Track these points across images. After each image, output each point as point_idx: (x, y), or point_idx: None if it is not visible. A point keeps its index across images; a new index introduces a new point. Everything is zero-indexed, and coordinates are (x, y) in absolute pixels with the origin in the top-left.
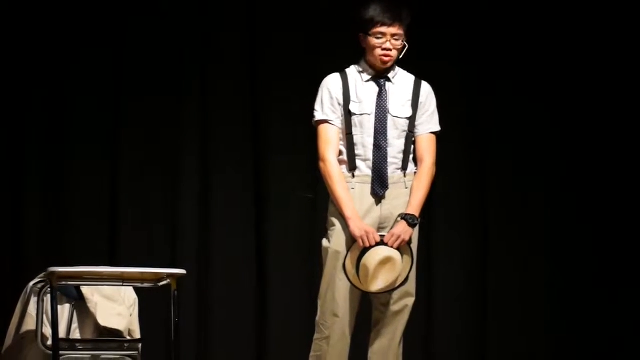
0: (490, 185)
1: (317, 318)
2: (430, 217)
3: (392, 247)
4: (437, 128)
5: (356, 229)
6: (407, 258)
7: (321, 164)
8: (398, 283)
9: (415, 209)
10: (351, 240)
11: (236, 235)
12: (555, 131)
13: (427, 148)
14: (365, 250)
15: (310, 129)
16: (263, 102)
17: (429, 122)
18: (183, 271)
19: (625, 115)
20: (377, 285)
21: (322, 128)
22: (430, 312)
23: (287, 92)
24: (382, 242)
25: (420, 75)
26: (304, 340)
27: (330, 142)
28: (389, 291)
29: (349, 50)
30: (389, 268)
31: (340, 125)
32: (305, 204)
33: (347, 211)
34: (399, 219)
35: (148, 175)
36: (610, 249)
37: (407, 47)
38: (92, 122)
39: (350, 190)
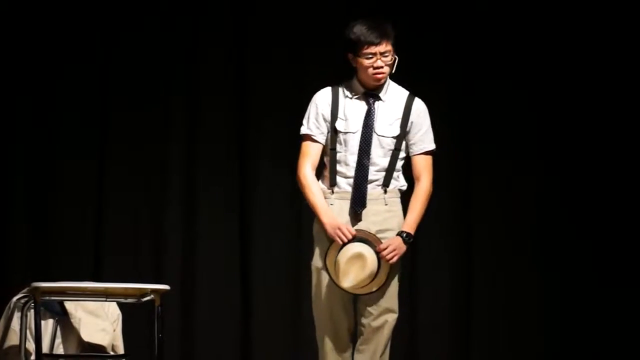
0: (476, 195)
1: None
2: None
3: (386, 257)
4: (432, 146)
5: (330, 228)
6: (384, 264)
7: (297, 177)
8: (374, 286)
9: (411, 227)
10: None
11: (220, 252)
12: (543, 137)
13: (423, 168)
14: (341, 248)
15: (296, 147)
16: (250, 118)
17: (423, 140)
18: (167, 287)
19: (614, 117)
20: (348, 281)
21: (304, 143)
22: (414, 328)
23: (274, 109)
24: (357, 239)
25: (407, 83)
26: (288, 356)
27: (308, 155)
28: (366, 294)
29: (337, 66)
30: (360, 265)
31: (322, 141)
32: (291, 219)
33: (324, 217)
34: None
35: (133, 192)
36: (603, 265)
37: (397, 59)
38: (78, 138)
39: (329, 207)
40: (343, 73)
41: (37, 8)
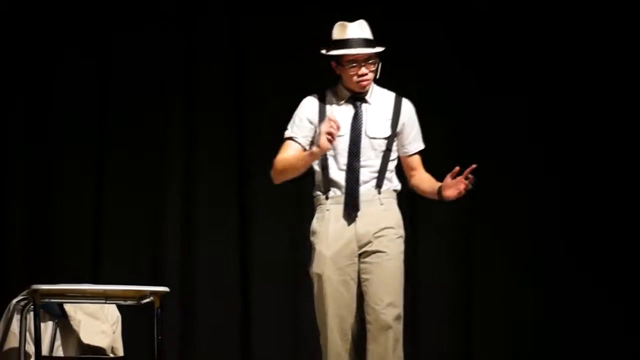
0: (476, 202)
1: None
2: (416, 240)
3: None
4: (423, 145)
5: (322, 142)
6: None
7: (272, 170)
8: None
9: None
10: (332, 261)
11: (220, 255)
12: (541, 142)
13: (418, 165)
14: None
15: None
16: (248, 122)
17: (417, 140)
18: (166, 289)
19: (611, 126)
20: None
21: (285, 143)
22: (415, 329)
23: (271, 115)
24: None
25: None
26: (288, 356)
27: (284, 151)
28: None
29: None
30: None
31: (304, 144)
32: (290, 222)
33: (305, 152)
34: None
35: (132, 193)
36: (598, 274)
37: (380, 64)
38: (76, 140)
39: (325, 212)
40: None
41: (33, 8)
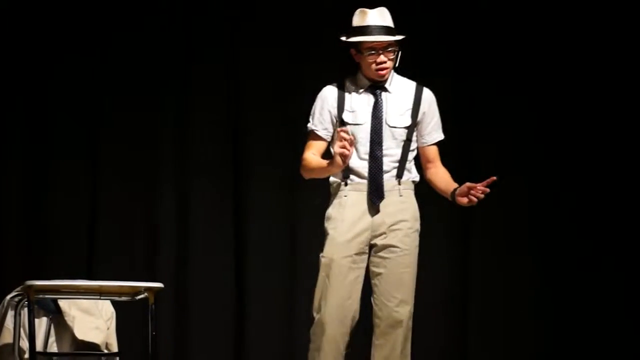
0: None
1: (311, 328)
2: None
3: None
4: (442, 136)
5: (337, 158)
6: None
7: (300, 169)
8: None
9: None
10: (344, 247)
11: (214, 250)
12: (539, 135)
13: (435, 156)
14: None
15: (288, 145)
16: (243, 118)
17: (436, 130)
18: (160, 285)
19: (608, 115)
20: None
21: (309, 141)
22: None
23: (267, 110)
24: None
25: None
26: (282, 354)
27: (309, 148)
28: None
29: (333, 64)
30: None
31: (326, 138)
32: (286, 218)
33: (325, 162)
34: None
35: (127, 190)
36: (598, 274)
37: (400, 53)
38: (72, 138)
39: (342, 198)
40: (340, 72)
41: (31, 8)
